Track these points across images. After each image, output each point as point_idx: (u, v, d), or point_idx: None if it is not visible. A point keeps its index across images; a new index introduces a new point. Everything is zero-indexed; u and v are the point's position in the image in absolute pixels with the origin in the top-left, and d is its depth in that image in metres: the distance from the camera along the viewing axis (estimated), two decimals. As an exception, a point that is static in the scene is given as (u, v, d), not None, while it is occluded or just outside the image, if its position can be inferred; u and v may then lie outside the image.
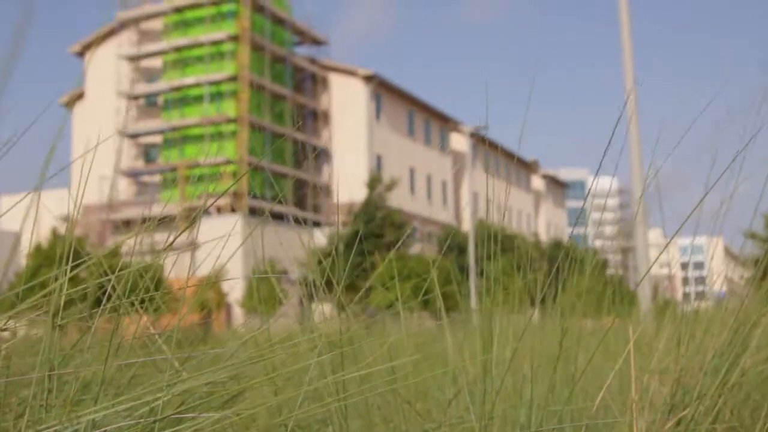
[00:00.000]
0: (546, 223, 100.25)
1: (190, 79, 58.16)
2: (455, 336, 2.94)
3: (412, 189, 69.54)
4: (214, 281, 2.54)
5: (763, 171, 2.93)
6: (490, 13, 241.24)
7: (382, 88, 65.77)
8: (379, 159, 64.69)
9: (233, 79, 57.09)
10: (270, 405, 2.13)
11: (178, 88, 58.70)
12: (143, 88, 60.61)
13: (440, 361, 3.05)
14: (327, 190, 63.60)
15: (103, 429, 1.78)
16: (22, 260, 37.46)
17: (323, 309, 2.77)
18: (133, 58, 61.81)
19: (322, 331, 2.38)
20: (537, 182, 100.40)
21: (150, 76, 61.84)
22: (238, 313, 44.92)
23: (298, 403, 2.12)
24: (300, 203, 60.62)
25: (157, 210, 2.38)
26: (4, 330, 2.05)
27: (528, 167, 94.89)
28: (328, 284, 2.68)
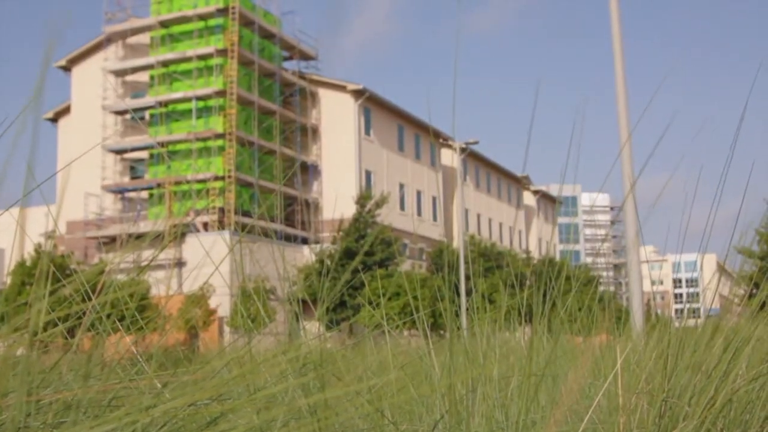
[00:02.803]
0: (537, 239, 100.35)
1: (177, 94, 58.02)
2: (442, 355, 2.90)
3: (402, 205, 69.53)
4: (198, 299, 2.50)
5: (751, 185, 2.91)
6: (497, 22, 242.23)
7: (371, 103, 65.80)
8: (368, 175, 64.68)
9: (221, 93, 57.02)
10: (252, 426, 2.10)
11: (165, 103, 58.57)
12: (130, 102, 60.44)
13: (427, 381, 3.02)
14: (316, 207, 63.52)
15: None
16: (6, 277, 37.29)
17: (309, 327, 2.73)
18: (120, 73, 61.68)
19: (306, 350, 2.34)
20: (528, 198, 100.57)
21: (136, 90, 61.73)
22: (228, 331, 44.77)
23: (279, 424, 2.09)
24: (289, 220, 60.52)
25: (143, 226, 2.34)
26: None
27: (519, 182, 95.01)
28: (315, 302, 2.65)
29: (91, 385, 1.93)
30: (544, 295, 2.85)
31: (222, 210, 55.20)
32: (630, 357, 3.07)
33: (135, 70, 60.80)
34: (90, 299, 2.00)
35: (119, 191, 60.38)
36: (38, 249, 35.90)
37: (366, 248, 48.48)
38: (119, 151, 60.63)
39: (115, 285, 2.07)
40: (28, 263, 36.32)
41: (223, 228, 53.82)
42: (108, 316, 2.09)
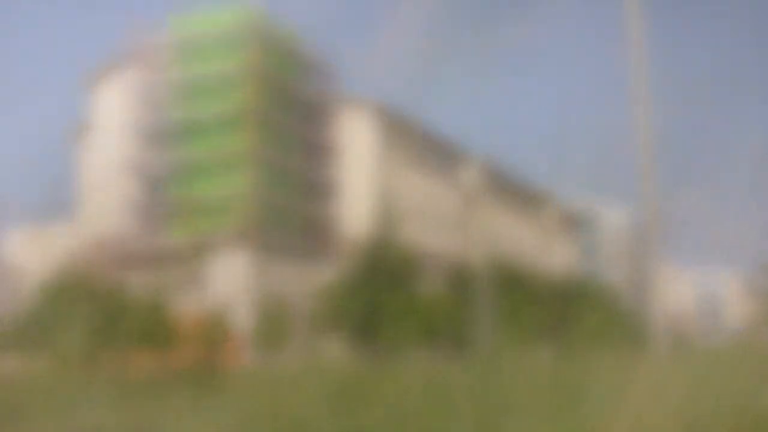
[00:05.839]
0: (559, 257, 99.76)
1: (197, 112, 58.15)
2: (466, 376, 2.89)
3: (422, 223, 69.32)
4: (219, 317, 2.49)
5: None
6: (528, 36, 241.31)
7: (390, 120, 65.77)
8: (387, 192, 64.57)
9: (241, 110, 57.09)
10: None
11: (186, 121, 58.68)
12: (151, 120, 60.58)
13: (453, 402, 3.00)
14: (336, 225, 63.42)
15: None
16: (30, 294, 37.43)
17: (331, 346, 2.72)
18: (141, 91, 61.88)
19: (330, 372, 2.34)
20: (550, 215, 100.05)
21: (158, 107, 61.87)
22: (249, 349, 44.72)
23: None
24: (309, 238, 60.46)
25: (164, 244, 2.34)
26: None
27: (540, 200, 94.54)
28: (337, 321, 2.65)
29: (118, 406, 1.93)
30: (568, 314, 2.84)
31: (243, 228, 55.20)
32: (655, 378, 3.05)
33: (156, 87, 60.98)
34: (113, 318, 2.00)
35: (140, 207, 60.46)
36: (60, 267, 35.95)
37: (386, 267, 48.38)
38: (140, 169, 60.79)
39: (139, 304, 2.08)
40: (51, 281, 36.36)
41: (244, 246, 53.78)
42: (133, 336, 2.09)
